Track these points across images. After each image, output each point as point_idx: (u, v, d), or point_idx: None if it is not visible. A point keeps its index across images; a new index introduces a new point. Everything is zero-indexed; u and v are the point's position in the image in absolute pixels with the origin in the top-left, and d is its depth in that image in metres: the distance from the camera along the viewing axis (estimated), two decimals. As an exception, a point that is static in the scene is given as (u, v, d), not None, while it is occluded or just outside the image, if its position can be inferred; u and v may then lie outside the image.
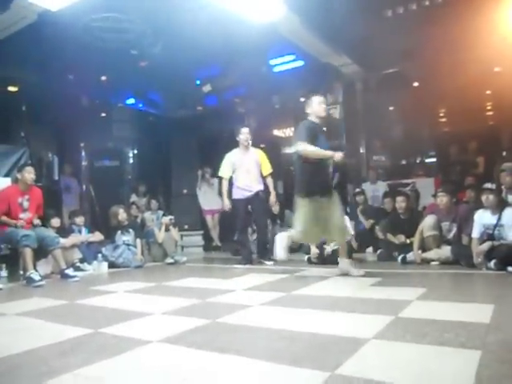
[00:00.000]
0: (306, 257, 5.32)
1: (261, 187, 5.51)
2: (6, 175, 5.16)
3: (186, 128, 8.32)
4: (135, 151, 9.31)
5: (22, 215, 4.68)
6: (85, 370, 1.81)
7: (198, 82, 8.16)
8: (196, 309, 2.97)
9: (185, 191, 8.15)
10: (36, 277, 4.30)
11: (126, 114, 8.88)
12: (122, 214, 5.87)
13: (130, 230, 5.94)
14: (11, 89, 6.47)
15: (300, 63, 7.28)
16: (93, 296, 3.61)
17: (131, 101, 8.90)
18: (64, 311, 3.11)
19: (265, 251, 5.52)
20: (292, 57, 7.26)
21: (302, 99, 8.32)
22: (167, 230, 6.32)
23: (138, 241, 5.95)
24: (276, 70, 7.54)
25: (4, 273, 4.46)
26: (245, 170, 5.45)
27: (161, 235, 6.18)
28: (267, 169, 5.62)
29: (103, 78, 7.66)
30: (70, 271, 4.71)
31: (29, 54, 5.65)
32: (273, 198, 5.66)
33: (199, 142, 8.52)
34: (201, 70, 7.74)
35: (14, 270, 4.63)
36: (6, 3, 4.51)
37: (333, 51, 6.70)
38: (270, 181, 5.63)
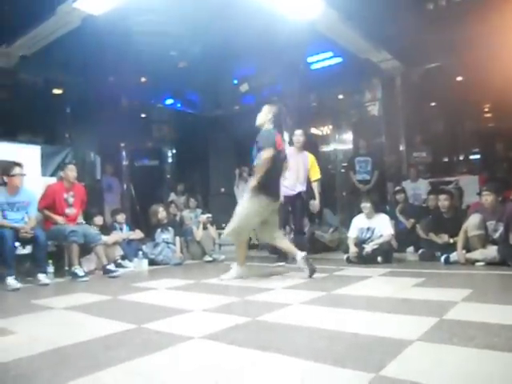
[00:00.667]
0: (345, 256, 5.25)
1: (303, 189, 5.59)
2: (52, 175, 5.36)
3: (223, 127, 8.40)
4: (174, 151, 9.46)
5: (67, 210, 4.88)
6: (129, 364, 1.85)
7: (236, 82, 8.20)
8: (235, 306, 2.99)
9: (222, 190, 8.23)
10: (80, 272, 4.49)
11: (165, 115, 9.04)
12: (161, 213, 5.99)
13: (170, 228, 6.05)
14: (56, 91, 6.73)
15: (338, 60, 7.19)
16: (134, 292, 3.70)
17: (170, 101, 9.06)
18: (108, 306, 3.21)
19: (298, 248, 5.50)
20: (330, 54, 7.18)
21: (341, 96, 8.30)
22: (205, 228, 6.39)
23: (177, 239, 6.05)
24: (314, 67, 7.48)
25: (51, 269, 4.64)
26: (293, 170, 5.45)
27: (199, 233, 6.26)
28: (316, 174, 5.71)
29: (143, 79, 7.83)
30: (111, 266, 4.86)
31: (72, 57, 5.85)
32: (317, 203, 5.75)
33: (236, 141, 8.57)
34: (238, 69, 7.79)
35: (59, 265, 4.81)
36: (52, 9, 4.69)
37: (372, 47, 6.58)
38: (316, 186, 5.72)
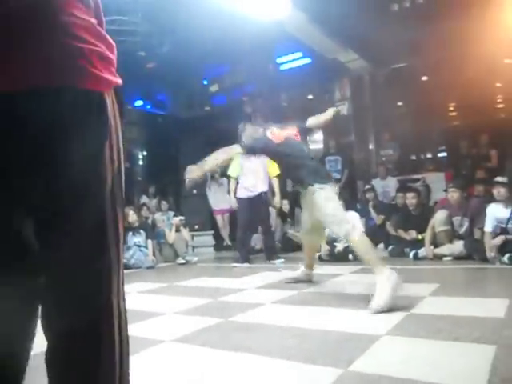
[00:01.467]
0: (317, 255, 5.30)
1: (265, 188, 5.57)
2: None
3: (194, 128, 8.35)
4: (144, 153, 9.37)
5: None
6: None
7: (206, 82, 8.18)
8: (208, 308, 2.98)
9: (194, 191, 8.16)
10: None
11: (135, 116, 8.93)
12: (131, 216, 5.91)
13: (141, 231, 5.97)
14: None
15: (307, 60, 7.26)
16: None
17: (139, 103, 8.95)
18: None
19: (272, 251, 5.62)
20: (299, 54, 7.24)
21: (310, 97, 8.39)
22: (178, 230, 6.34)
23: (150, 242, 5.98)
24: (283, 67, 7.53)
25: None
26: (251, 170, 5.49)
27: (171, 236, 6.21)
28: (274, 170, 5.60)
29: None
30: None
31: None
32: (277, 199, 5.79)
33: (208, 142, 8.51)
34: (208, 69, 7.76)
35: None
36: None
37: (339, 47, 6.68)
38: (275, 182, 5.70)
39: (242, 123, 5.11)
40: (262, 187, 5.53)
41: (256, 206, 5.50)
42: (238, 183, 5.63)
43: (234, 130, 8.76)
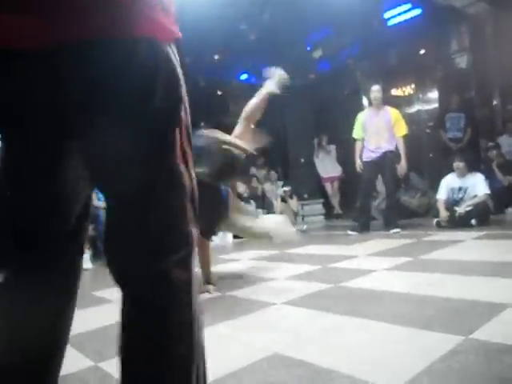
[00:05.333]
0: (435, 220, 4.96)
1: (391, 147, 5.14)
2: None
3: (299, 97, 8.23)
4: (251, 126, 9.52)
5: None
6: (215, 326, 1.93)
7: (308, 48, 7.96)
8: (318, 274, 2.97)
9: (302, 160, 8.15)
10: None
11: (241, 90, 9.08)
12: (240, 186, 6.09)
13: (251, 202, 6.15)
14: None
15: (417, 12, 6.64)
16: (218, 263, 3.83)
17: (244, 76, 9.07)
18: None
19: (392, 218, 5.15)
20: (407, 6, 6.65)
21: (422, 51, 7.71)
22: (284, 200, 6.40)
23: (260, 211, 6.14)
24: (391, 22, 7.00)
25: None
26: (374, 130, 5.18)
27: (278, 206, 6.29)
28: (401, 129, 5.20)
29: (216, 57, 7.91)
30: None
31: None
32: (403, 163, 5.15)
33: (314, 110, 8.40)
34: (310, 34, 7.53)
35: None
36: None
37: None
38: (401, 143, 5.16)
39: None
40: (387, 146, 5.13)
41: (380, 167, 5.17)
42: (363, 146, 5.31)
43: (340, 96, 8.54)
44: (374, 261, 3.28)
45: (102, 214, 4.42)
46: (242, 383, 1.34)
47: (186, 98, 0.85)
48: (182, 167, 0.80)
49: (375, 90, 5.27)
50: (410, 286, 2.35)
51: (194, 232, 0.83)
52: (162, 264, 0.78)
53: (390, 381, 1.27)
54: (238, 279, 3.06)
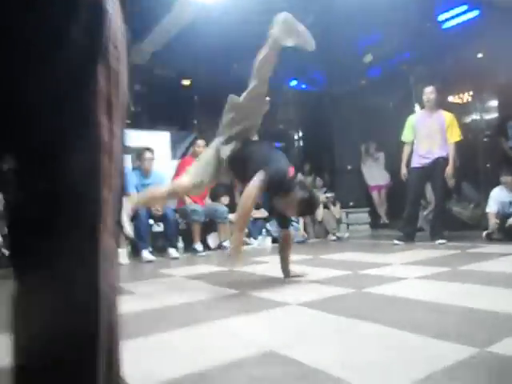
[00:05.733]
0: (485, 233, 4.64)
1: (443, 154, 4.84)
2: (181, 158, 5.78)
3: (347, 103, 8.09)
4: (299, 131, 9.45)
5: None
6: (224, 321, 1.91)
7: (359, 54, 7.80)
8: (345, 279, 2.86)
9: (349, 167, 7.95)
10: (199, 248, 4.93)
11: (290, 96, 9.06)
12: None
13: (293, 207, 6.06)
14: (185, 82, 7.22)
15: (474, 13, 6.30)
16: (250, 265, 3.80)
17: (294, 83, 9.03)
18: (220, 276, 3.34)
19: (439, 228, 4.87)
20: (464, 7, 6.33)
21: (480, 55, 7.30)
22: (326, 207, 6.26)
23: (300, 217, 6.04)
24: (446, 25, 6.69)
25: (181, 244, 5.05)
26: (426, 133, 4.92)
27: (319, 213, 6.16)
28: (455, 135, 4.88)
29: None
30: (227, 243, 5.08)
31: (197, 48, 6.18)
32: (450, 168, 4.79)
33: (362, 116, 8.18)
34: (360, 39, 7.37)
35: (188, 241, 5.17)
36: (170, 3, 4.99)
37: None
38: (452, 149, 4.84)
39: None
40: (439, 152, 4.85)
41: (430, 174, 4.89)
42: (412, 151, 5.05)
43: (390, 102, 8.25)
44: (407, 269, 3.11)
45: (143, 213, 4.55)
46: (228, 376, 1.28)
47: (118, 41, 0.72)
48: (104, 118, 0.69)
49: (428, 91, 5.00)
50: (437, 294, 2.19)
51: (110, 197, 0.70)
52: (59, 233, 0.65)
53: (380, 386, 1.17)
54: (263, 280, 3.01)
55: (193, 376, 1.29)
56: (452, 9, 6.38)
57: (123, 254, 4.39)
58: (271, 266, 3.72)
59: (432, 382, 1.17)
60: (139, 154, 4.96)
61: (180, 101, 6.85)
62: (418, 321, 1.76)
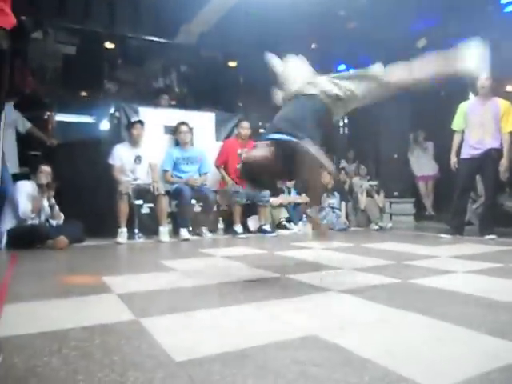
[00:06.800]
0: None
1: (496, 144, 4.57)
2: (225, 139, 5.76)
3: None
4: (344, 117, 9.23)
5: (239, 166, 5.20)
6: (263, 303, 1.89)
7: (412, 38, 7.46)
8: (388, 268, 2.77)
9: (395, 156, 7.70)
10: (239, 230, 4.96)
11: (337, 81, 8.84)
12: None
13: (336, 193, 5.97)
14: (231, 64, 7.18)
15: (542, -4, 5.88)
16: (290, 249, 3.78)
17: (342, 67, 8.80)
18: (260, 258, 3.33)
19: (489, 223, 4.62)
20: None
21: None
22: (370, 195, 6.11)
23: (343, 204, 5.95)
24: (508, 9, 6.28)
25: (221, 225, 5.09)
26: (478, 122, 4.66)
27: (362, 201, 6.02)
28: (509, 124, 4.57)
29: (313, 45, 7.76)
30: (267, 227, 5.10)
31: (244, 30, 6.12)
32: (504, 160, 4.52)
33: (411, 104, 7.87)
34: (413, 23, 7.05)
35: (229, 223, 5.18)
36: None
37: None
38: (507, 139, 4.55)
39: None
40: (492, 143, 4.58)
41: (480, 166, 4.62)
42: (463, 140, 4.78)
43: (443, 90, 7.88)
44: (455, 263, 2.98)
45: (187, 192, 4.62)
46: (271, 356, 1.26)
47: None
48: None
49: (483, 77, 4.72)
50: (489, 290, 2.08)
51: None
52: None
53: (430, 379, 1.11)
54: (303, 265, 2.98)
55: (235, 354, 1.28)
56: (517, -10, 5.97)
57: (165, 232, 4.48)
58: (311, 251, 3.68)
59: (488, 381, 1.10)
60: (175, 128, 5.03)
61: (226, 82, 6.84)
62: (469, 316, 1.67)
